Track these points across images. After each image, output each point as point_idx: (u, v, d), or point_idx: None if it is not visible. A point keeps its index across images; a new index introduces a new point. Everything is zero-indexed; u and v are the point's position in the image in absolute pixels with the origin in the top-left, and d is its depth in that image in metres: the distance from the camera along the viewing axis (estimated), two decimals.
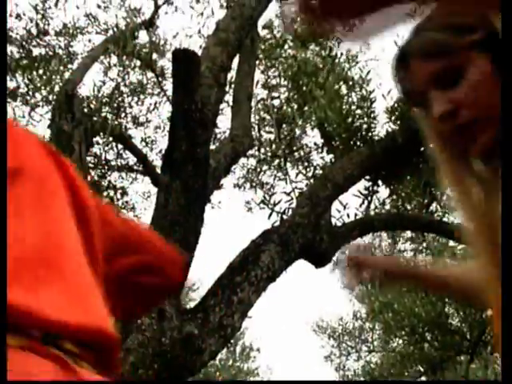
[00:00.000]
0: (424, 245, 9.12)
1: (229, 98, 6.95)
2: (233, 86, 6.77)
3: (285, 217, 6.39)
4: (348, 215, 6.50)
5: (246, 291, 4.84)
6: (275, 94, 7.83)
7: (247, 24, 5.76)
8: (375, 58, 8.30)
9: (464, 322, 9.14)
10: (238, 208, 9.37)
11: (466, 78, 1.06)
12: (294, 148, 7.54)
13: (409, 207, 7.14)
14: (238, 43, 5.62)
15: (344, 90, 7.14)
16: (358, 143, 6.27)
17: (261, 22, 7.45)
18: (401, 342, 10.58)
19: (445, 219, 7.10)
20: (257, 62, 7.35)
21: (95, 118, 6.89)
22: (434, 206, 7.38)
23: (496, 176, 1.05)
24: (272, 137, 7.49)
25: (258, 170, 7.82)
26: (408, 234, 9.11)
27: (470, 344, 8.94)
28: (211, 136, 5.45)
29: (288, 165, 7.39)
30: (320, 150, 7.32)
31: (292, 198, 6.66)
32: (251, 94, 6.70)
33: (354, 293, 14.96)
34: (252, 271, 4.92)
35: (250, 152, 7.10)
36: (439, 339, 9.35)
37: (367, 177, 6.36)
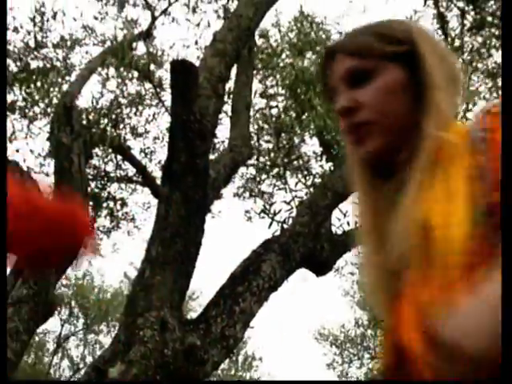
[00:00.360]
0: None
1: (227, 108, 6.97)
2: (231, 96, 6.78)
3: (285, 226, 6.39)
4: (348, 223, 6.51)
5: (248, 301, 4.84)
6: (273, 104, 7.85)
7: (244, 34, 5.77)
8: None
9: None
10: (238, 217, 9.37)
11: (374, 82, 1.11)
12: (293, 157, 7.55)
13: None
14: (235, 54, 5.63)
15: None
16: None
17: (257, 31, 7.48)
18: None
19: None
20: (254, 72, 7.37)
21: (94, 130, 6.90)
22: None
23: (389, 189, 1.09)
24: (271, 146, 7.50)
25: (258, 179, 7.82)
26: None
27: None
28: (210, 146, 5.45)
29: (287, 173, 7.40)
30: (319, 159, 7.34)
31: (292, 207, 6.66)
32: (249, 103, 6.72)
33: (356, 300, 14.93)
34: (253, 281, 4.92)
35: (250, 161, 7.11)
36: None
37: None
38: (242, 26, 5.73)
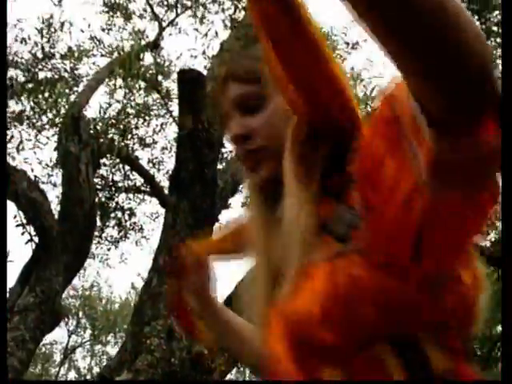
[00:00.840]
0: None
1: None
2: None
3: None
4: None
5: None
6: None
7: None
8: (379, 76, 8.31)
9: (474, 337, 9.07)
10: None
11: (266, 107, 1.10)
12: None
13: None
14: None
15: None
16: None
17: None
18: None
19: None
20: None
21: (102, 140, 6.91)
22: None
23: (272, 213, 1.07)
24: None
25: None
26: None
27: (480, 360, 8.87)
28: (218, 156, 5.46)
29: None
30: None
31: None
32: None
33: None
34: None
35: None
36: None
37: None
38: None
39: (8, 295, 5.05)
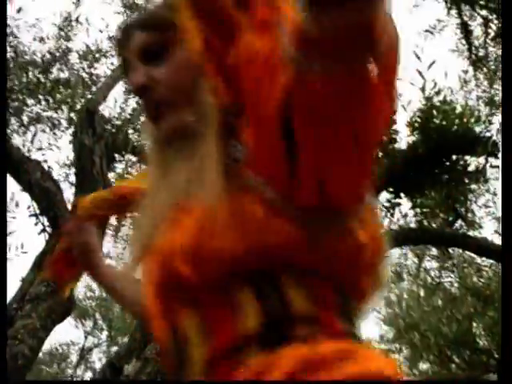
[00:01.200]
0: (450, 262, 9.00)
1: None
2: None
3: None
4: None
5: None
6: None
7: None
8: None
9: (491, 340, 8.97)
10: None
11: (171, 57, 1.05)
12: None
13: (433, 224, 7.07)
14: None
15: None
16: (379, 156, 6.24)
17: None
18: (428, 362, 10.43)
19: (470, 233, 7.01)
20: None
21: (117, 135, 6.95)
22: (458, 224, 7.30)
23: (172, 158, 1.03)
24: None
25: None
26: (434, 251, 9.01)
27: (498, 363, 8.76)
28: None
29: None
30: None
31: None
32: None
33: (381, 315, 14.81)
34: None
35: None
36: (466, 359, 9.19)
37: (389, 189, 6.31)
38: None
39: (21, 283, 5.09)
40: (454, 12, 8.05)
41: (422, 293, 11.15)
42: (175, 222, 0.90)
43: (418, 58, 6.12)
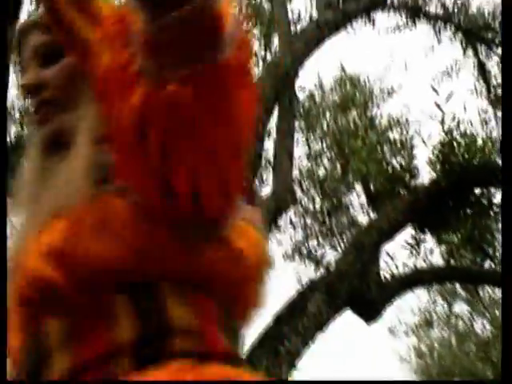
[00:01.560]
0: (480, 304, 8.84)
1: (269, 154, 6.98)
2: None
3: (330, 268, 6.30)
4: (396, 266, 6.36)
5: (293, 341, 4.74)
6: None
7: (283, 80, 5.88)
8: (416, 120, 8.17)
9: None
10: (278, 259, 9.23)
11: (64, 60, 1.04)
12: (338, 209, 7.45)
13: (459, 262, 6.96)
14: (274, 97, 5.72)
15: (386, 150, 7.09)
16: (401, 192, 6.20)
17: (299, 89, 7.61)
18: None
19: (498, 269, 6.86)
20: (296, 124, 7.40)
21: None
22: (487, 264, 7.16)
23: (53, 161, 0.99)
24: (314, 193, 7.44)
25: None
26: (462, 293, 8.85)
27: None
28: None
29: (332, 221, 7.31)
30: (365, 211, 7.22)
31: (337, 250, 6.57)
32: (292, 152, 6.71)
33: (410, 365, 14.47)
34: (299, 321, 4.84)
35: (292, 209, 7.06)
36: None
37: (413, 225, 6.24)
38: (281, 72, 5.83)
39: None
40: (470, 52, 8.09)
41: (453, 340, 10.93)
42: (47, 226, 0.88)
43: (436, 91, 6.13)
